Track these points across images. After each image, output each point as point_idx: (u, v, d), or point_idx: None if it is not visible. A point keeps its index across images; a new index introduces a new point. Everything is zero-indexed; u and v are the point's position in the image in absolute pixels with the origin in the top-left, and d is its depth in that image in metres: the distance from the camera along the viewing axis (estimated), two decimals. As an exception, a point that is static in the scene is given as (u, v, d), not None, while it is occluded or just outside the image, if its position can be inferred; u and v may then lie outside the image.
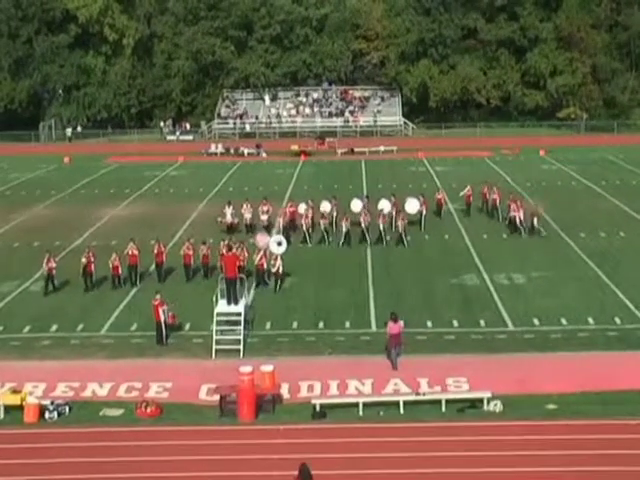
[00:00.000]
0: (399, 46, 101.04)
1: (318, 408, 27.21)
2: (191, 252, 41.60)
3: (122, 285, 40.02)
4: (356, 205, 50.07)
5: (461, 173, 64.24)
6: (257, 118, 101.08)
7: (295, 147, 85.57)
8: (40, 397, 28.35)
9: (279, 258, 40.70)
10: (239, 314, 33.36)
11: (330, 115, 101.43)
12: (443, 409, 27.19)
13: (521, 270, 42.00)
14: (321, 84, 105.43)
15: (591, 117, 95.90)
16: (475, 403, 27.36)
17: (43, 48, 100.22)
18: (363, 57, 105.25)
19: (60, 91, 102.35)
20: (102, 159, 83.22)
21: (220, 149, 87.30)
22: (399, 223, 47.66)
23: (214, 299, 33.93)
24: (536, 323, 34.87)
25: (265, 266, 41.11)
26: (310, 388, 29.11)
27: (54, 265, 39.38)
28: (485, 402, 27.27)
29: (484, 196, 54.61)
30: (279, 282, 40.42)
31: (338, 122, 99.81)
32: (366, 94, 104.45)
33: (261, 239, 42.97)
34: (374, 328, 34.87)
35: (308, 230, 48.24)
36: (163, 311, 33.34)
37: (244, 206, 51.00)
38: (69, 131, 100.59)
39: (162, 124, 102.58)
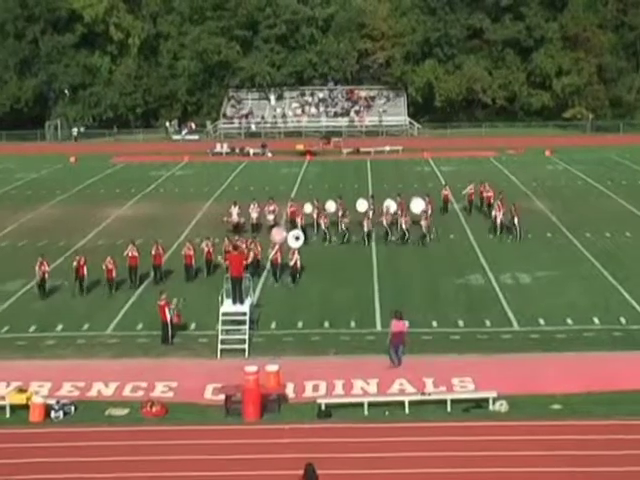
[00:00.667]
0: (405, 46, 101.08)
1: (323, 408, 27.23)
2: (192, 252, 41.58)
3: (115, 290, 39.49)
4: (361, 205, 50.13)
5: (466, 173, 64.16)
6: (263, 118, 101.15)
7: (301, 147, 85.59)
8: (46, 396, 28.40)
9: (296, 252, 41.46)
10: (244, 314, 33.40)
11: (335, 115, 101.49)
12: (448, 409, 27.18)
13: (526, 270, 42.00)
14: (327, 84, 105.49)
15: (597, 117, 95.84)
16: (480, 403, 27.35)
17: (49, 48, 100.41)
18: (369, 57, 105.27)
19: (66, 91, 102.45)
20: (108, 159, 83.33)
21: (226, 149, 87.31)
22: (402, 221, 47.70)
23: (219, 299, 33.96)
24: (541, 323, 34.88)
25: (280, 260, 41.71)
26: (315, 388, 29.11)
27: (47, 269, 38.98)
28: (490, 402, 27.26)
29: (480, 194, 54.84)
30: (297, 276, 41.12)
31: (343, 122, 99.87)
32: (372, 94, 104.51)
33: (277, 233, 43.88)
34: (379, 328, 34.88)
35: (327, 228, 48.51)
36: (169, 311, 33.43)
37: (251, 206, 51.05)
38: (75, 131, 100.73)
39: (168, 124, 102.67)
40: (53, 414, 27.49)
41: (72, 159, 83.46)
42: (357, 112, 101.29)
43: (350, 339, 33.63)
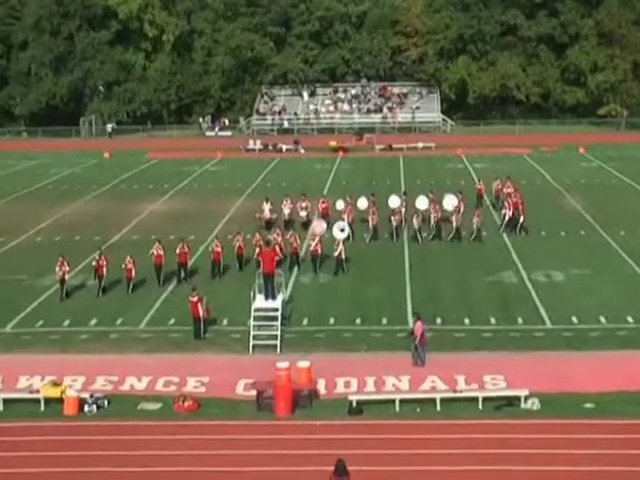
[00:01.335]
0: (438, 42, 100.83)
1: (355, 404, 27.25)
2: (220, 249, 41.55)
3: (133, 289, 39.39)
4: (394, 201, 50.08)
5: (500, 170, 63.87)
6: (295, 114, 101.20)
7: (333, 143, 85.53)
8: (79, 390, 28.61)
9: (341, 243, 42.26)
10: (276, 310, 33.47)
11: (368, 111, 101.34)
12: (480, 407, 27.13)
13: (560, 268, 41.79)
14: (359, 80, 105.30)
15: (631, 114, 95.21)
16: (512, 401, 27.29)
17: (84, 44, 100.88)
18: (402, 53, 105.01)
19: (101, 87, 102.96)
20: (142, 155, 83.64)
21: (258, 145, 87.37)
22: (432, 217, 47.66)
23: (252, 294, 34.04)
24: (574, 321, 34.69)
25: (320, 252, 42.30)
26: (347, 384, 29.14)
27: (67, 269, 38.76)
28: (522, 400, 27.20)
29: (499, 191, 55.13)
30: (342, 265, 41.79)
31: (376, 118, 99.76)
32: (404, 90, 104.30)
33: (318, 225, 45.18)
34: (411, 324, 34.80)
35: (371, 226, 48.33)
36: (201, 306, 33.57)
37: (284, 202, 51.12)
38: (109, 127, 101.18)
39: (201, 120, 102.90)
40: (87, 408, 27.68)
41: (106, 155, 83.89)
42: (390, 109, 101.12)
43: (382, 336, 33.60)
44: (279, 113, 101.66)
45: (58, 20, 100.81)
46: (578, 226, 50.02)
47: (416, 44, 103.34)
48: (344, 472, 20.94)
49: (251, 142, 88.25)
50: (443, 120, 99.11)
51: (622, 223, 50.18)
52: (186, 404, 27.59)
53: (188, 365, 30.95)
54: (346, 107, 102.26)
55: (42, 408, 27.91)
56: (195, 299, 33.66)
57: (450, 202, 49.02)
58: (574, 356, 31.14)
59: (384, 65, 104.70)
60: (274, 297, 34.07)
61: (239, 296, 36.40)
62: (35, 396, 28.31)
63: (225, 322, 35.26)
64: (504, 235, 47.57)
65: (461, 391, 28.04)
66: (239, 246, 42.55)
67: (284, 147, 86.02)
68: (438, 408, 27.10)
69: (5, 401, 28.13)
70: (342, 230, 43.98)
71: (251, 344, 32.35)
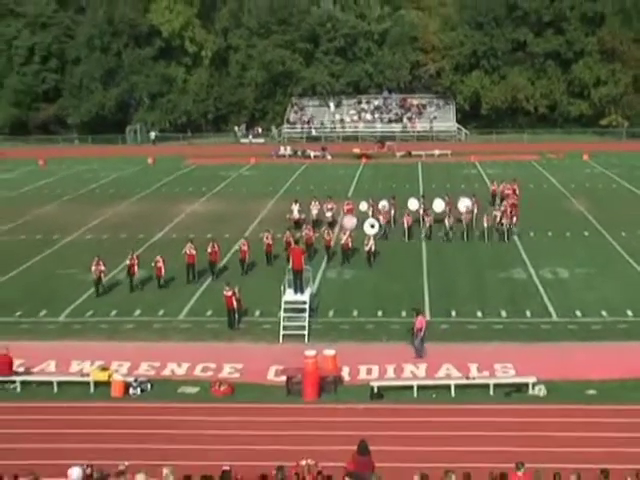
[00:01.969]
0: (454, 58, 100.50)
1: (376, 390, 27.27)
2: (246, 248, 41.34)
3: (166, 284, 39.16)
4: (412, 204, 50.01)
5: (510, 175, 63.62)
6: (322, 123, 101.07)
7: (357, 150, 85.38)
8: (125, 375, 28.81)
9: (371, 238, 42.76)
10: (304, 302, 33.51)
11: (389, 121, 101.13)
12: (491, 392, 27.10)
13: (565, 265, 41.61)
14: (381, 92, 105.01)
15: (632, 124, 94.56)
16: (521, 387, 27.25)
17: (131, 60, 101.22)
18: (420, 68, 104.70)
19: (145, 98, 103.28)
20: (182, 160, 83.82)
21: (289, 151, 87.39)
22: (446, 221, 47.55)
23: (282, 288, 34.08)
24: (578, 314, 34.53)
25: (350, 245, 42.97)
26: (369, 371, 29.17)
27: (103, 268, 38.37)
28: (530, 387, 27.15)
29: (502, 191, 55.18)
30: (372, 258, 42.34)
31: (397, 127, 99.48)
32: (423, 102, 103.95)
33: (348, 221, 46.03)
34: (428, 317, 34.69)
35: (389, 226, 48.33)
36: (236, 300, 33.64)
37: (312, 203, 51.15)
38: (152, 134, 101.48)
39: (236, 128, 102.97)
40: (131, 390, 27.85)
41: (150, 160, 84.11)
42: (409, 119, 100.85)
43: (401, 327, 33.46)
44: (308, 122, 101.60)
45: (108, 38, 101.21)
46: (582, 227, 49.74)
47: (433, 59, 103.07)
48: (366, 451, 20.95)
49: (282, 149, 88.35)
50: (458, 129, 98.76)
51: (623, 225, 49.84)
52: (222, 388, 27.69)
53: (223, 353, 31.06)
54: (369, 117, 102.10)
55: (91, 390, 28.13)
56: (229, 293, 33.74)
57: (464, 204, 48.87)
58: (578, 347, 31.01)
59: (404, 78, 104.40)
60: (302, 291, 34.11)
61: (270, 290, 36.40)
62: (85, 379, 28.55)
63: (257, 314, 35.32)
64: (515, 237, 47.21)
65: (474, 378, 28.01)
66: (268, 244, 42.58)
67: (312, 153, 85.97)
68: (452, 394, 27.09)
69: (59, 383, 28.36)
70: (372, 226, 44.41)
71: (281, 334, 32.42)
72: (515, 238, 46.79)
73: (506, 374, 28.43)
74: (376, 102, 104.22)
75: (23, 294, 38.87)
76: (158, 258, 39.18)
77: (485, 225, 47.05)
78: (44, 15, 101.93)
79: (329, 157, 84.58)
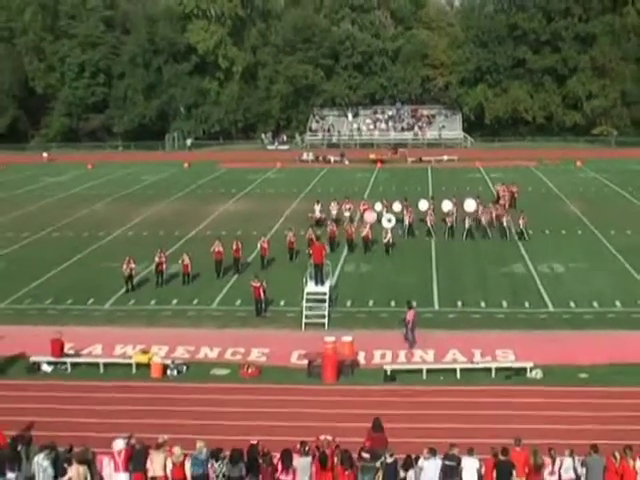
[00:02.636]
0: (460, 73, 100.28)
1: (389, 373, 27.27)
2: (266, 245, 41.12)
3: (191, 281, 38.66)
4: (423, 204, 49.91)
5: (511, 179, 63.39)
6: (341, 131, 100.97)
7: (372, 156, 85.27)
8: (163, 357, 28.88)
9: (389, 231, 43.55)
10: (325, 293, 33.50)
11: (402, 129, 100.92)
12: (493, 375, 27.06)
13: (560, 261, 41.44)
14: (395, 104, 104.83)
15: (620, 134, 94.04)
16: (519, 371, 27.19)
17: (169, 74, 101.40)
18: (430, 82, 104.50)
19: (182, 109, 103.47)
20: (214, 164, 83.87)
21: (311, 157, 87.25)
22: (447, 220, 47.53)
23: (304, 280, 34.10)
24: (572, 305, 34.40)
25: (370, 237, 43.89)
26: (382, 356, 29.15)
27: (133, 266, 37.78)
28: (528, 370, 27.10)
29: (498, 193, 55.36)
30: (390, 249, 43.37)
31: (409, 135, 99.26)
32: (432, 112, 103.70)
33: (369, 216, 46.35)
34: (436, 307, 34.76)
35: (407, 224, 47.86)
36: (262, 290, 33.68)
37: (331, 204, 51.11)
38: (188, 141, 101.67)
39: (263, 136, 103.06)
40: (169, 372, 27.95)
41: (186, 165, 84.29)
42: (420, 127, 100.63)
43: (412, 316, 33.45)
44: (328, 130, 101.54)
45: (149, 56, 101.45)
46: (576, 226, 49.50)
47: (442, 74, 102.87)
48: (380, 428, 20.93)
49: (305, 154, 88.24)
50: (464, 137, 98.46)
51: (612, 224, 49.56)
52: (250, 370, 27.74)
53: (251, 338, 31.09)
54: (383, 126, 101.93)
55: (133, 371, 28.25)
56: (257, 284, 33.79)
57: (470, 205, 48.71)
58: (571, 334, 30.90)
59: (415, 91, 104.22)
60: (323, 283, 34.11)
61: (293, 282, 36.37)
62: (128, 361, 28.68)
63: (282, 303, 35.32)
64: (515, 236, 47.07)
65: (477, 362, 27.97)
66: (290, 241, 42.54)
67: (332, 159, 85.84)
68: (458, 377, 27.05)
69: (104, 365, 28.54)
70: (389, 221, 44.61)
71: (303, 322, 32.44)
72: (515, 237, 46.60)
73: (506, 359, 28.35)
74: (390, 112, 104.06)
75: (73, 285, 39.09)
76: (185, 256, 39.02)
77: (484, 223, 46.98)
78: (93, 35, 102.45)
79: (347, 162, 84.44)
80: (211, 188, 68.81)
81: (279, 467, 19.53)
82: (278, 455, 19.71)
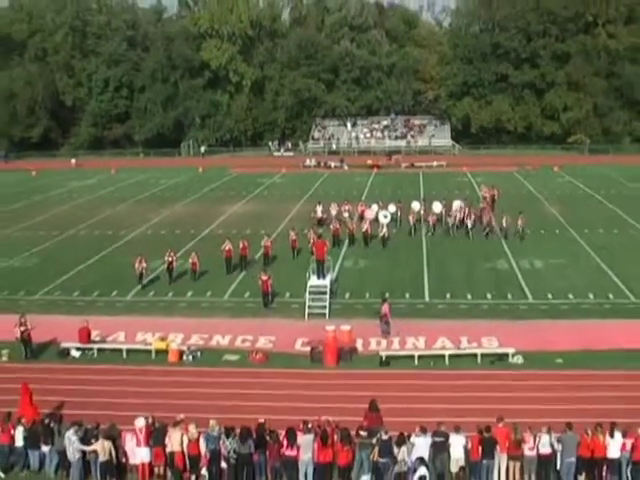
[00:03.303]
0: (448, 87, 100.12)
1: (384, 358, 27.29)
2: (269, 244, 40.77)
3: (198, 278, 38.10)
4: (415, 205, 49.88)
5: (494, 183, 63.37)
6: (340, 140, 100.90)
7: (369, 162, 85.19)
8: (180, 344, 28.91)
9: (385, 226, 44.03)
10: (326, 287, 33.48)
11: (396, 138, 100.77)
12: (478, 361, 27.07)
13: (539, 257, 41.41)
14: (389, 114, 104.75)
15: (593, 142, 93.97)
16: (502, 357, 27.19)
17: (185, 88, 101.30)
18: (421, 94, 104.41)
19: (197, 119, 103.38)
20: (226, 170, 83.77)
21: (313, 162, 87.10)
22: (448, 219, 47.61)
23: (307, 275, 34.11)
24: (550, 297, 34.36)
25: (369, 231, 44.34)
26: (378, 343, 29.12)
27: (145, 265, 37.04)
28: (510, 356, 27.12)
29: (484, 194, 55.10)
30: (385, 242, 43.81)
31: (402, 143, 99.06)
32: (423, 122, 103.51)
33: (369, 213, 46.85)
34: (427, 299, 34.73)
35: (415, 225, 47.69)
36: (270, 284, 33.69)
37: (332, 205, 51.05)
38: (202, 149, 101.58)
39: (270, 143, 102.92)
40: (185, 357, 27.99)
41: (200, 170, 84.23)
42: (412, 136, 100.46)
43: (405, 307, 33.43)
44: (329, 139, 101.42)
45: (167, 71, 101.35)
46: (554, 226, 49.46)
47: (432, 88, 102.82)
48: (376, 409, 20.99)
49: (307, 160, 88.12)
50: (452, 145, 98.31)
51: (586, 224, 49.55)
52: (258, 356, 27.76)
53: (259, 327, 31.08)
54: (379, 134, 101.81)
55: (153, 356, 28.27)
56: (265, 278, 33.80)
57: (457, 206, 48.72)
58: (549, 323, 30.89)
59: (408, 103, 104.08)
60: (324, 277, 34.09)
61: (297, 277, 36.33)
62: (148, 347, 28.71)
63: (287, 295, 35.27)
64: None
65: (464, 349, 27.96)
66: (293, 239, 42.45)
67: (332, 164, 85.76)
68: (447, 362, 27.06)
69: (127, 351, 28.58)
70: (385, 216, 44.98)
71: (306, 312, 32.44)
72: (498, 235, 46.58)
73: (490, 346, 28.31)
74: (385, 122, 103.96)
75: (98, 278, 39.09)
76: (193, 254, 38.83)
77: (469, 223, 46.97)
78: (117, 53, 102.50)
79: (346, 167, 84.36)
80: (223, 191, 68.78)
81: (284, 444, 19.60)
82: (283, 433, 19.77)
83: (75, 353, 28.60)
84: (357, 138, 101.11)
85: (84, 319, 29.74)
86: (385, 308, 30.03)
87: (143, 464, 20.06)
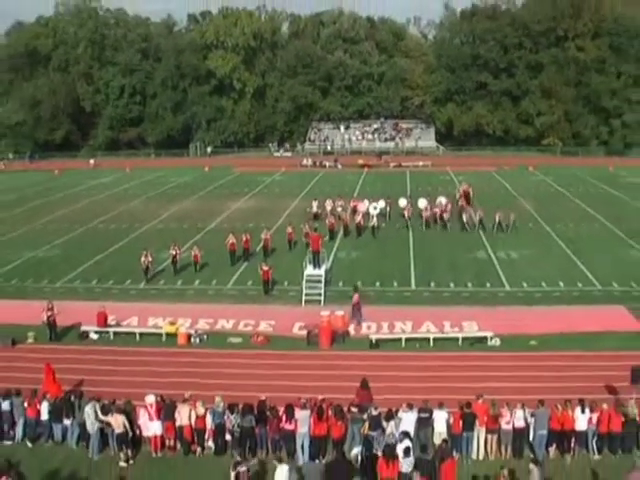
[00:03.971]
0: (433, 93, 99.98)
1: (374, 341, 27.32)
2: (269, 237, 40.50)
3: (199, 269, 37.67)
4: (402, 202, 49.85)
5: (475, 181, 63.38)
6: (334, 141, 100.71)
7: (361, 161, 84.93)
8: (188, 328, 28.93)
9: (375, 217, 44.56)
10: (321, 276, 33.48)
11: (385, 140, 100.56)
12: (460, 343, 27.12)
13: (515, 249, 41.43)
14: (379, 118, 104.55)
15: (564, 145, 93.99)
16: (482, 339, 27.24)
17: (193, 95, 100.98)
18: (408, 100, 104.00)
19: (203, 123, 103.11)
20: (230, 169, 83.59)
21: (310, 162, 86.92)
22: (427, 214, 47.50)
23: (304, 265, 34.11)
24: (524, 285, 34.42)
25: (363, 223, 44.71)
26: (368, 327, 29.16)
27: (150, 259, 36.49)
28: (488, 339, 27.18)
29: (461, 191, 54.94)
30: (375, 231, 44.41)
31: (391, 145, 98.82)
32: (410, 126, 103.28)
33: (361, 206, 47.11)
34: (413, 287, 34.75)
35: (410, 219, 47.52)
36: (270, 274, 33.68)
37: (327, 201, 50.94)
38: (209, 149, 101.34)
39: (270, 145, 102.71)
40: (192, 340, 28.02)
41: (206, 169, 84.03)
42: (400, 138, 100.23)
43: (393, 295, 33.51)
44: (324, 140, 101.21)
45: (177, 79, 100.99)
46: (528, 220, 49.40)
47: (418, 94, 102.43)
48: (366, 387, 21.03)
49: (304, 160, 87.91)
50: (437, 146, 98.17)
51: (558, 218, 49.55)
52: (259, 339, 27.79)
53: (260, 313, 31.09)
54: (370, 137, 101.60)
55: (163, 339, 28.30)
56: (266, 268, 33.80)
57: (441, 202, 48.70)
58: (524, 310, 30.95)
59: (396, 108, 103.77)
60: (319, 267, 34.10)
61: (294, 267, 36.36)
62: (159, 331, 28.73)
63: (285, 284, 35.24)
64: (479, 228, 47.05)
65: (447, 333, 28.01)
66: (289, 233, 42.34)
67: (327, 164, 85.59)
68: (431, 344, 27.10)
69: (140, 334, 28.59)
70: (375, 208, 45.29)
71: (303, 299, 32.46)
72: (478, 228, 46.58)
73: (471, 329, 28.37)
74: (375, 126, 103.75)
75: (114, 268, 39.04)
76: (195, 248, 38.60)
77: (446, 216, 46.99)
78: (132, 63, 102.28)
79: (340, 167, 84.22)
80: (227, 188, 68.62)
81: (283, 418, 19.64)
82: (282, 409, 19.80)
83: (94, 336, 28.62)
84: (350, 140, 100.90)
85: (101, 305, 29.75)
86: (356, 297, 29.99)
87: (155, 436, 20.11)
